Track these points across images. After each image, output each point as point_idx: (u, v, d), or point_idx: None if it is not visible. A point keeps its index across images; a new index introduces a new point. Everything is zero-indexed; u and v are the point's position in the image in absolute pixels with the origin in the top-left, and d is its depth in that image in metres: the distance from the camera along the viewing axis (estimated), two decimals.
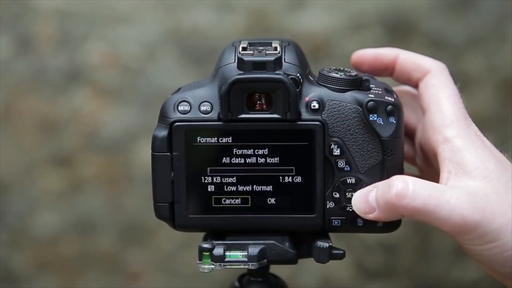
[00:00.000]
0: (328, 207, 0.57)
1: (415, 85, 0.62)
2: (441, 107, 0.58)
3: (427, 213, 0.53)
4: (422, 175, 0.66)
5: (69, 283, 1.25)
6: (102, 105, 1.21)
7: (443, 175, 0.56)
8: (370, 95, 0.57)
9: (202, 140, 0.57)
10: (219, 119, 0.56)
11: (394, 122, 0.57)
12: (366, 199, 0.56)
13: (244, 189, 0.57)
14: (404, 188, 0.53)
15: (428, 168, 0.64)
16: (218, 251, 0.57)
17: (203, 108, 0.57)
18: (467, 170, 0.55)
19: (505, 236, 0.52)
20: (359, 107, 0.56)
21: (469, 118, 0.58)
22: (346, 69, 0.58)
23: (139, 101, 1.20)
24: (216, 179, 0.57)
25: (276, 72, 0.56)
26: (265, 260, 0.58)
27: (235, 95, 0.55)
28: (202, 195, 0.57)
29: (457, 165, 0.55)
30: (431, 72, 0.60)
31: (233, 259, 0.57)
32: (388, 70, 0.63)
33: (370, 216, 0.56)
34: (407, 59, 0.62)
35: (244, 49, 0.57)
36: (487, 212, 0.52)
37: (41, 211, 1.23)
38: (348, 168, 0.57)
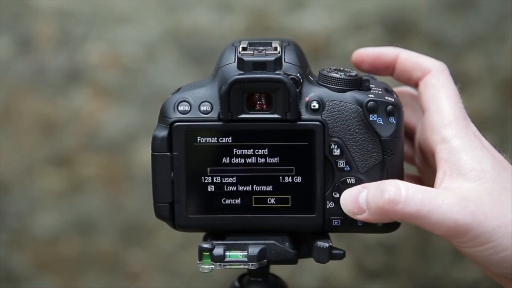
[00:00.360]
0: (328, 207, 0.57)
1: (415, 85, 0.62)
2: (441, 106, 0.58)
3: (420, 218, 0.53)
4: (421, 175, 0.66)
5: (69, 283, 1.25)
6: (102, 105, 1.21)
7: (438, 176, 0.56)
8: (370, 95, 0.57)
9: (202, 140, 0.57)
10: (219, 119, 0.56)
11: (394, 122, 0.57)
12: (356, 200, 0.56)
13: (244, 189, 0.57)
14: (396, 194, 0.53)
15: (427, 168, 0.63)
16: (218, 251, 0.57)
17: (203, 108, 0.57)
18: (463, 172, 0.54)
19: (498, 237, 0.52)
20: (359, 107, 0.56)
21: (468, 119, 0.57)
22: (346, 69, 0.58)
23: (139, 101, 1.20)
24: (216, 179, 0.57)
25: (276, 72, 0.55)
26: (265, 260, 0.58)
27: (235, 95, 0.55)
28: (202, 195, 0.57)
29: (453, 166, 0.55)
30: (431, 72, 0.60)
31: (233, 259, 0.57)
32: (388, 69, 0.63)
33: (359, 217, 0.56)
34: (408, 58, 0.62)
35: (244, 49, 0.57)
36: (479, 214, 0.52)
37: (41, 211, 1.23)
38: (348, 168, 0.57)
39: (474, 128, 0.57)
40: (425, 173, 0.64)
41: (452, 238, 0.53)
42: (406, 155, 0.64)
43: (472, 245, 0.53)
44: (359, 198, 0.55)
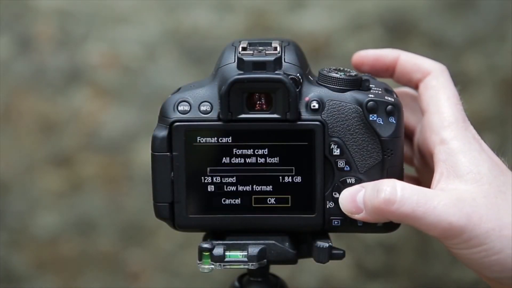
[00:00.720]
0: (328, 207, 0.57)
1: (415, 87, 0.62)
2: (440, 108, 0.58)
3: (415, 219, 0.53)
4: (419, 176, 0.66)
5: (69, 283, 1.25)
6: (102, 105, 1.21)
7: (435, 177, 0.56)
8: (370, 95, 0.57)
9: (202, 140, 0.57)
10: (219, 119, 0.56)
11: (394, 122, 0.57)
12: (354, 199, 0.56)
13: (244, 189, 0.57)
14: (392, 194, 0.53)
15: (425, 169, 0.63)
16: (218, 251, 0.57)
17: (203, 108, 0.57)
18: (460, 174, 0.55)
19: (491, 240, 0.52)
20: (359, 107, 0.56)
21: (467, 121, 0.57)
22: (346, 69, 0.58)
23: (139, 101, 1.20)
24: (216, 179, 0.57)
25: (276, 72, 0.56)
26: (265, 260, 0.58)
27: (235, 95, 0.55)
28: (202, 195, 0.57)
29: (450, 168, 0.55)
30: (431, 74, 0.60)
31: (233, 259, 0.57)
32: (388, 71, 0.63)
33: (357, 217, 0.56)
34: (408, 60, 0.62)
35: (244, 49, 0.57)
36: (474, 216, 0.52)
37: (41, 211, 1.23)
38: (348, 168, 0.57)
39: (474, 131, 0.57)
40: (423, 174, 0.64)
41: (446, 239, 0.53)
42: (405, 156, 0.64)
43: (465, 247, 0.53)
44: (357, 197, 0.56)
